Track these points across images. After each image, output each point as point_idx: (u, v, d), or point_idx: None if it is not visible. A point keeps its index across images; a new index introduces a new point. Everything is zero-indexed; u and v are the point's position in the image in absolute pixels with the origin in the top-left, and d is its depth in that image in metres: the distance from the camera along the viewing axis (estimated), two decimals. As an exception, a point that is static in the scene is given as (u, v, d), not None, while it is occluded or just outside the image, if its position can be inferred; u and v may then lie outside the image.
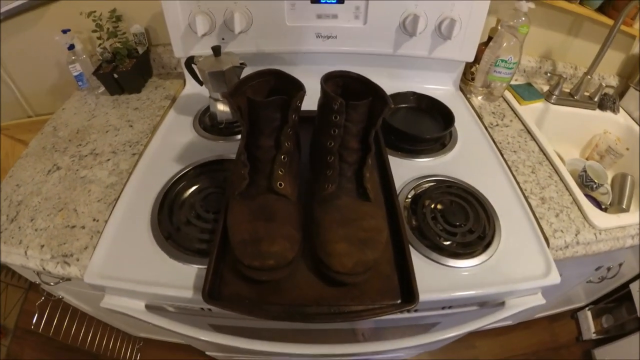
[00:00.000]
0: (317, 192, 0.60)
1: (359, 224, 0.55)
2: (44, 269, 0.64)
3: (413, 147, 0.83)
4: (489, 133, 0.92)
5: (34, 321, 0.95)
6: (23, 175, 0.77)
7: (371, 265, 0.53)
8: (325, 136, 0.58)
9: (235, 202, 0.57)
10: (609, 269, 1.03)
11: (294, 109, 0.55)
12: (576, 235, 0.71)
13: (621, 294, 1.35)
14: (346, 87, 0.62)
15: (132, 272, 0.60)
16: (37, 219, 0.69)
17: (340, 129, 0.56)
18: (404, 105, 0.94)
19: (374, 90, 0.57)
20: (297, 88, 0.57)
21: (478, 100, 1.05)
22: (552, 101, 1.08)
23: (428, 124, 0.90)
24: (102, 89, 1.01)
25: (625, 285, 1.29)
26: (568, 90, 1.10)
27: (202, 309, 0.63)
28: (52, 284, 0.74)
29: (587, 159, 1.16)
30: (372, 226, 0.56)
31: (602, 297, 1.46)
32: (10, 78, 1.10)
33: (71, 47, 0.94)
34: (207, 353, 1.31)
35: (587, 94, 1.10)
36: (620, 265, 1.03)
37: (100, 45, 0.97)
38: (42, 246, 0.64)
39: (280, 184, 0.57)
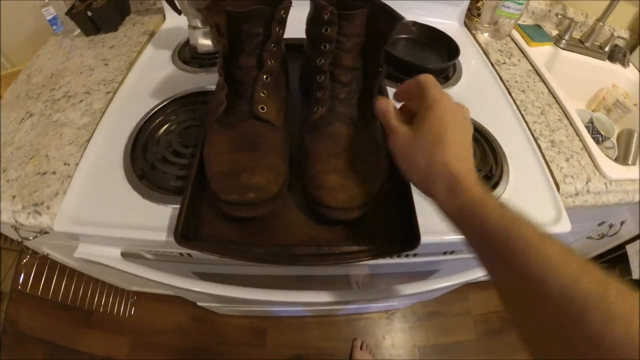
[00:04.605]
0: (307, 118, 0.52)
1: (354, 154, 0.49)
2: (16, 221, 0.58)
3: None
4: (495, 70, 0.85)
5: (21, 280, 0.92)
6: (-4, 128, 0.70)
7: (367, 201, 0.47)
8: (315, 53, 0.50)
9: (214, 132, 0.50)
10: (611, 225, 1.00)
11: (278, 20, 0.47)
12: (587, 182, 0.66)
13: (615, 256, 1.33)
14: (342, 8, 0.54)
15: (104, 216, 0.54)
16: (9, 170, 0.62)
17: (331, 44, 0.48)
18: (404, 36, 0.86)
19: (375, 7, 0.49)
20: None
21: (484, 37, 0.98)
22: (562, 46, 1.01)
23: (430, 56, 0.82)
24: (78, 31, 0.91)
25: (620, 246, 1.27)
26: (578, 37, 1.03)
27: (181, 254, 0.58)
28: (30, 238, 0.69)
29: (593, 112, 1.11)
30: (369, 158, 0.49)
31: (596, 257, 1.44)
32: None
33: (43, -12, 0.84)
34: (199, 304, 1.28)
35: (597, 43, 1.04)
36: (622, 223, 0.99)
37: (72, -19, 0.88)
38: (14, 197, 0.58)
39: (262, 107, 0.49)
